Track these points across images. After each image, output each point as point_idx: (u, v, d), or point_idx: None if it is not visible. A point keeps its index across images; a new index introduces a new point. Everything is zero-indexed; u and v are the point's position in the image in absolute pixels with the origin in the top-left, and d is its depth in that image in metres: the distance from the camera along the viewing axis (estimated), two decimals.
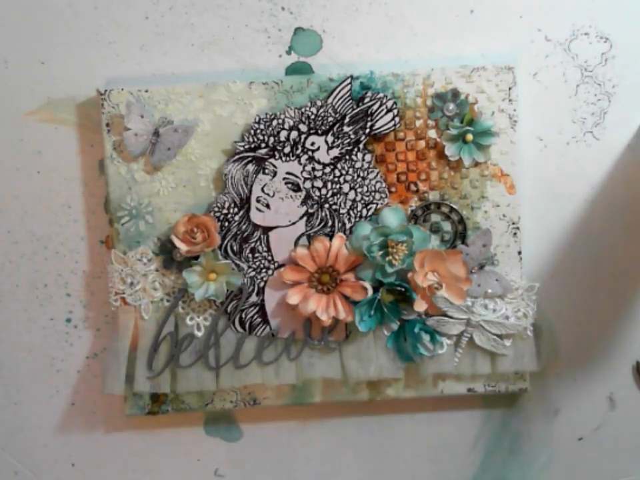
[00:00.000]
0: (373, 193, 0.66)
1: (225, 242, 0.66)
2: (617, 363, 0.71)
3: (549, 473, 0.72)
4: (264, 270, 0.66)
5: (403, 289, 0.64)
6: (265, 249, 0.66)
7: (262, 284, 0.66)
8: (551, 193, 0.69)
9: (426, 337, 0.65)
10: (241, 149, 0.65)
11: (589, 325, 0.70)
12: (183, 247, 0.65)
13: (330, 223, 0.66)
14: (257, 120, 0.65)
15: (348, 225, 0.66)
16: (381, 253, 0.63)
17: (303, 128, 0.65)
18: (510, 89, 0.66)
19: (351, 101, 0.65)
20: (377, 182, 0.66)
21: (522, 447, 0.71)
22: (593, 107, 0.69)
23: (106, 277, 0.68)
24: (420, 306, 0.64)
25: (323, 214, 0.66)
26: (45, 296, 0.70)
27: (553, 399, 0.71)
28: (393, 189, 0.66)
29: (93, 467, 0.72)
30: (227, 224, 0.66)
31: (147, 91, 0.66)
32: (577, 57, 0.68)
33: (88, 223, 0.69)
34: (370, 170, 0.66)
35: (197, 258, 0.65)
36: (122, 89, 0.66)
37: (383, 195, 0.66)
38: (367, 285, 0.64)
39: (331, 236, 0.66)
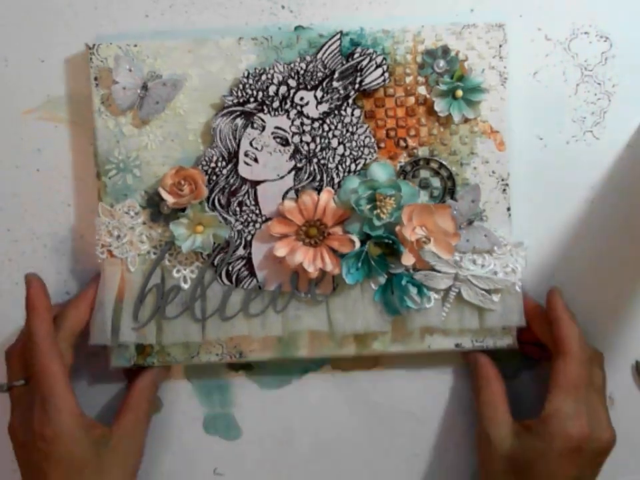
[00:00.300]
0: (361, 148, 0.66)
1: (213, 195, 0.66)
2: (616, 363, 0.71)
3: None
4: (251, 224, 0.66)
5: (390, 241, 0.64)
6: (253, 202, 0.66)
7: (249, 237, 0.66)
8: (551, 193, 0.69)
9: (413, 290, 0.65)
10: (230, 102, 0.65)
11: (589, 324, 0.70)
12: (169, 198, 0.64)
13: (318, 178, 0.66)
14: (246, 75, 0.65)
15: (336, 180, 0.66)
16: (369, 206, 0.63)
17: (292, 83, 0.65)
18: (500, 46, 0.66)
19: (340, 57, 0.65)
20: (365, 137, 0.66)
21: None
22: (592, 106, 0.69)
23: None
24: (407, 259, 0.64)
25: (312, 168, 0.66)
26: None
27: None
28: (382, 145, 0.66)
29: None
30: (214, 177, 0.66)
31: (135, 45, 0.65)
32: (577, 56, 0.68)
33: (88, 222, 0.69)
34: (359, 125, 0.65)
35: (184, 210, 0.65)
36: (110, 43, 0.65)
37: (372, 150, 0.66)
38: (355, 237, 0.64)
39: (319, 190, 0.65)
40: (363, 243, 0.65)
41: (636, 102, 0.69)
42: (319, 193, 0.65)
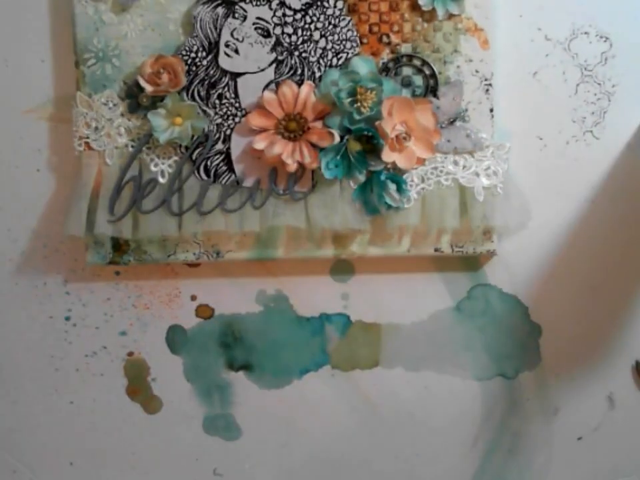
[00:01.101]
0: (343, 42, 0.64)
1: (192, 87, 0.65)
2: (616, 363, 0.71)
3: (548, 473, 0.72)
4: (231, 117, 0.65)
5: (370, 134, 0.62)
6: (233, 95, 0.65)
7: (228, 131, 0.65)
8: (551, 193, 0.69)
9: (392, 186, 0.64)
10: None
11: (589, 325, 0.70)
12: (148, 87, 0.63)
13: (299, 71, 0.65)
14: None
15: (317, 74, 0.65)
16: (349, 99, 0.62)
17: None
18: None
19: None
20: (348, 30, 0.64)
21: (521, 447, 0.71)
22: (592, 106, 0.68)
23: (105, 276, 0.69)
24: (388, 156, 0.63)
25: (293, 61, 0.65)
26: (44, 294, 0.70)
27: (553, 398, 0.71)
28: (365, 41, 0.65)
29: (92, 467, 0.72)
30: (194, 68, 0.65)
31: None
32: (577, 56, 0.68)
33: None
34: (342, 18, 0.64)
35: (162, 100, 0.64)
36: None
37: (354, 44, 0.65)
38: (334, 131, 0.63)
39: (300, 84, 0.64)
40: (343, 139, 0.63)
41: (636, 102, 0.68)
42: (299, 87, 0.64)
